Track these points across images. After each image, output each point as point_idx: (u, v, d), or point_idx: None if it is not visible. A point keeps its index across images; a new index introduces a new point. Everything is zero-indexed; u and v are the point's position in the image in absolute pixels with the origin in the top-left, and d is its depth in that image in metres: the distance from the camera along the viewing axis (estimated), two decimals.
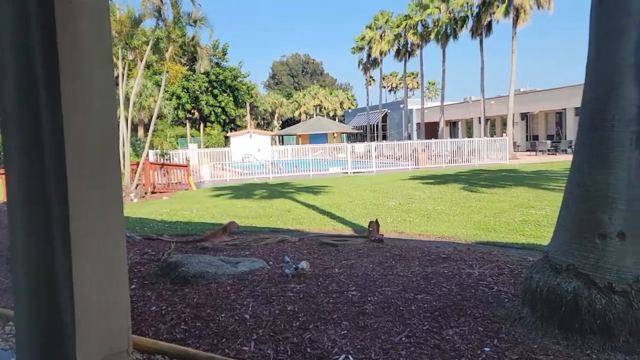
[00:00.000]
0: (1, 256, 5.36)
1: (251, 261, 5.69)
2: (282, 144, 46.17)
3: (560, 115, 36.95)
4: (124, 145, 16.16)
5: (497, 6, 29.90)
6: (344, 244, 6.65)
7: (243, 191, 15.47)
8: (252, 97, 57.15)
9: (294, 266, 5.11)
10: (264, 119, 70.96)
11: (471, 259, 5.59)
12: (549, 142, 32.69)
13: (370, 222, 7.25)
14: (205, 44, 19.73)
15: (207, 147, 41.80)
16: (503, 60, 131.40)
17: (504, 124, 33.02)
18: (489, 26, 32.71)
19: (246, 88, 54.22)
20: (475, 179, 16.57)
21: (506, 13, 29.16)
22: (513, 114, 31.19)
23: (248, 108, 57.45)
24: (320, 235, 7.55)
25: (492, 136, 36.73)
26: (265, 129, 63.43)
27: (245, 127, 54.22)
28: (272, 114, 71.23)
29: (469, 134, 45.04)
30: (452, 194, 12.75)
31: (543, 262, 3.91)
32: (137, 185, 16.26)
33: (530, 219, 8.62)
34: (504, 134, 29.60)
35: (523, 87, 43.61)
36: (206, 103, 49.82)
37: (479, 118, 37.59)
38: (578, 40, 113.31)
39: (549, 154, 30.44)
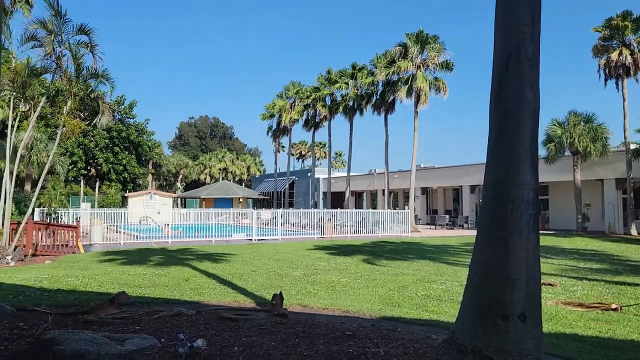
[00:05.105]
0: None
1: (140, 338, 5.08)
2: (185, 207, 44.48)
3: (457, 191, 39.61)
4: (5, 202, 14.53)
5: (401, 87, 32.17)
6: (245, 318, 6.23)
7: (137, 257, 14.40)
8: (157, 155, 55.19)
9: (188, 344, 4.64)
10: (167, 179, 68.66)
11: (376, 337, 5.44)
12: (447, 216, 34.61)
13: (274, 295, 6.92)
14: (109, 99, 18.89)
15: (102, 206, 39.17)
16: (406, 136, 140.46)
17: (406, 197, 34.61)
18: (393, 104, 34.97)
19: (151, 145, 52.21)
20: (379, 251, 16.86)
21: (408, 94, 31.44)
22: (415, 188, 32.81)
23: (151, 167, 55.29)
24: (219, 308, 7.04)
25: (395, 208, 38.27)
26: (167, 191, 61.25)
27: (147, 187, 51.89)
28: (176, 175, 69.27)
29: (374, 205, 46.62)
30: (357, 265, 12.78)
31: (449, 344, 3.85)
32: (16, 246, 14.55)
33: (432, 293, 8.75)
34: (406, 207, 30.87)
35: (423, 163, 46.52)
36: (105, 160, 47.13)
37: (383, 190, 39.17)
38: (471, 124, 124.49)
39: (447, 228, 32.15)
